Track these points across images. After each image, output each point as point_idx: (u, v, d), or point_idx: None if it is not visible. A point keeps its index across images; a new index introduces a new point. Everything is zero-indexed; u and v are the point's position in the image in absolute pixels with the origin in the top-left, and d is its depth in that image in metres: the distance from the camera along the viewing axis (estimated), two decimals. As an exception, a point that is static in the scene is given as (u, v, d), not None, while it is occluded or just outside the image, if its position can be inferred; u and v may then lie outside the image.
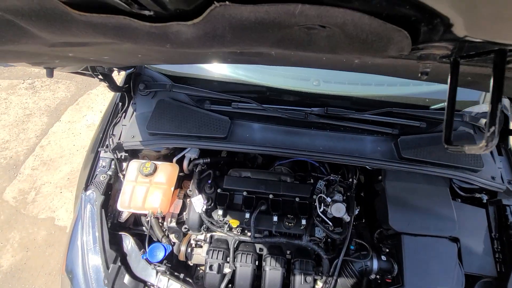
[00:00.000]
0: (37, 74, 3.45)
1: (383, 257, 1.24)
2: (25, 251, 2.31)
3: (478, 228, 1.34)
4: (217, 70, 1.54)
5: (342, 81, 1.41)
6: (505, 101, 1.36)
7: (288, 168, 1.60)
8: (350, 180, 1.44)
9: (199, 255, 1.36)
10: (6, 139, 2.93)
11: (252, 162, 1.81)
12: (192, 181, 1.45)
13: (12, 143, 2.91)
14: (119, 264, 1.21)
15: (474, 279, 1.25)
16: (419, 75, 0.50)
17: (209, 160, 1.52)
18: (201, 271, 1.45)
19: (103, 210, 1.30)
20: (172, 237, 1.46)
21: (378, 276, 1.23)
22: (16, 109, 3.17)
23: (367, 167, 1.38)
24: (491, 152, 1.37)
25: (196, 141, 1.29)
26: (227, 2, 0.30)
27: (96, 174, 1.38)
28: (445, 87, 1.43)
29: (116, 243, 1.29)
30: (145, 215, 1.37)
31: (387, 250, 1.27)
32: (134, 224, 1.49)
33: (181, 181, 1.58)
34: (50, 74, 1.07)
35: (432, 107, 1.39)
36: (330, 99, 1.38)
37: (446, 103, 0.53)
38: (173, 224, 1.42)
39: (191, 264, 1.41)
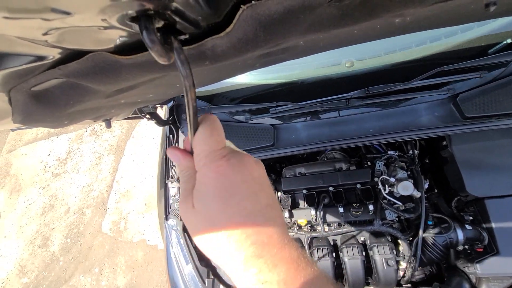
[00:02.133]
0: (94, 120, 3.91)
1: (468, 226, 1.16)
2: (132, 271, 2.73)
3: None
4: (246, 78, 1.56)
5: (377, 53, 1.31)
6: None
7: (340, 151, 1.57)
8: (410, 152, 1.36)
9: (278, 256, 1.45)
10: (89, 182, 3.44)
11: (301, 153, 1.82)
12: (252, 190, 1.54)
13: (95, 184, 3.40)
14: (212, 277, 1.37)
15: None
16: (485, 8, 0.40)
17: (261, 164, 1.59)
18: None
19: (185, 233, 1.47)
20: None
21: (466, 247, 1.17)
22: (88, 154, 3.67)
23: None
24: None
25: (247, 155, 1.35)
26: (253, 2, 0.30)
27: (171, 204, 1.56)
28: (503, 22, 1.23)
29: (204, 259, 1.45)
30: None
31: (471, 218, 1.19)
32: (213, 238, 1.66)
33: (242, 190, 1.69)
34: (108, 125, 1.22)
35: (491, 50, 1.21)
36: (369, 77, 1.29)
37: None
38: (247, 232, 1.53)
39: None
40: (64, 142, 3.87)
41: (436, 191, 1.37)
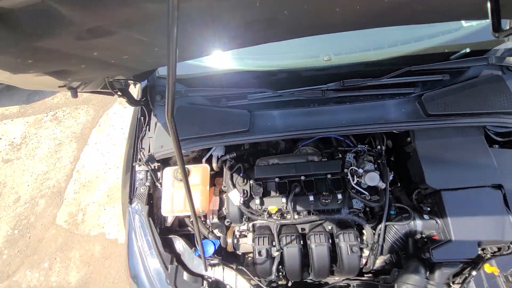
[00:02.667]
0: (57, 105, 3.63)
1: (426, 216, 1.24)
2: (87, 267, 2.53)
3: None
4: (226, 64, 1.55)
5: (353, 50, 1.38)
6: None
7: (313, 147, 1.61)
8: (378, 147, 1.43)
9: (246, 244, 1.43)
10: (45, 170, 3.15)
11: (275, 148, 1.83)
12: (224, 177, 1.51)
13: (51, 173, 3.13)
14: (176, 264, 1.30)
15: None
16: None
17: (235, 154, 1.57)
18: (249, 258, 1.53)
19: (150, 218, 1.39)
20: (216, 231, 1.54)
21: (424, 235, 1.24)
22: (46, 141, 3.38)
23: (394, 131, 1.37)
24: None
25: (221, 139, 1.33)
26: None
27: (136, 187, 1.47)
28: (464, 33, 1.36)
29: (168, 245, 1.39)
30: (189, 216, 1.45)
31: (429, 209, 1.27)
32: (180, 226, 1.59)
33: (213, 179, 1.65)
34: (74, 94, 1.11)
35: (453, 56, 1.33)
36: (344, 71, 1.35)
37: None
38: (215, 220, 1.49)
39: (240, 254, 1.49)
40: (19, 126, 3.53)
41: (399, 184, 1.45)
